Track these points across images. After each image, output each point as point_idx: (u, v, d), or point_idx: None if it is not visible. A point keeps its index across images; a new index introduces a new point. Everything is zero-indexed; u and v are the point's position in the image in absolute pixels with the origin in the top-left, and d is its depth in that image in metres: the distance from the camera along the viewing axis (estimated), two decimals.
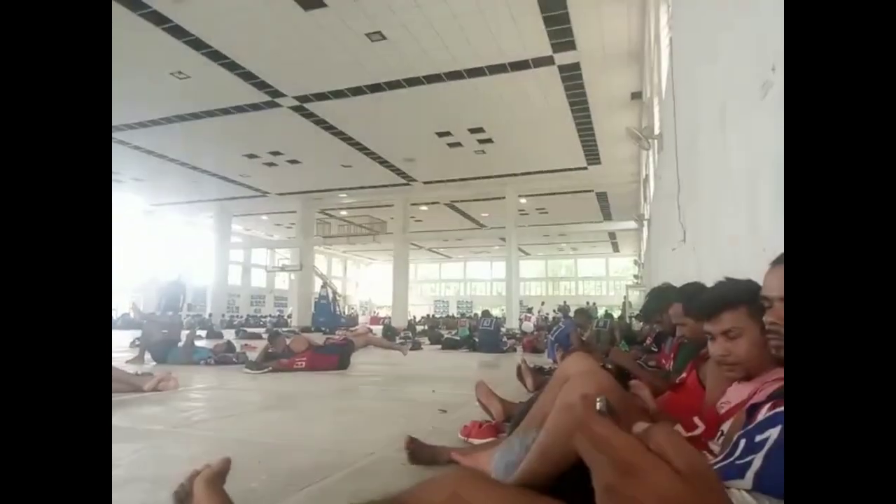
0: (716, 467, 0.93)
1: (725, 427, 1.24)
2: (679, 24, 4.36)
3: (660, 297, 2.71)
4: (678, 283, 3.03)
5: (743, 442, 0.93)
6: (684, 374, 2.12)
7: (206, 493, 1.40)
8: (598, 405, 0.85)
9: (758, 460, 0.85)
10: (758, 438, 0.89)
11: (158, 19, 8.39)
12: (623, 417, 1.19)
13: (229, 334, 13.04)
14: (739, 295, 1.26)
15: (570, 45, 9.14)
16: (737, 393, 1.31)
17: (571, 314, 9.47)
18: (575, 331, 7.02)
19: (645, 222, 13.33)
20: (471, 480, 1.14)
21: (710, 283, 1.94)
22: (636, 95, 10.97)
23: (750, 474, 0.85)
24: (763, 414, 0.96)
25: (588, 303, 25.26)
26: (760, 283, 1.25)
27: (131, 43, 9.04)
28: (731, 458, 0.92)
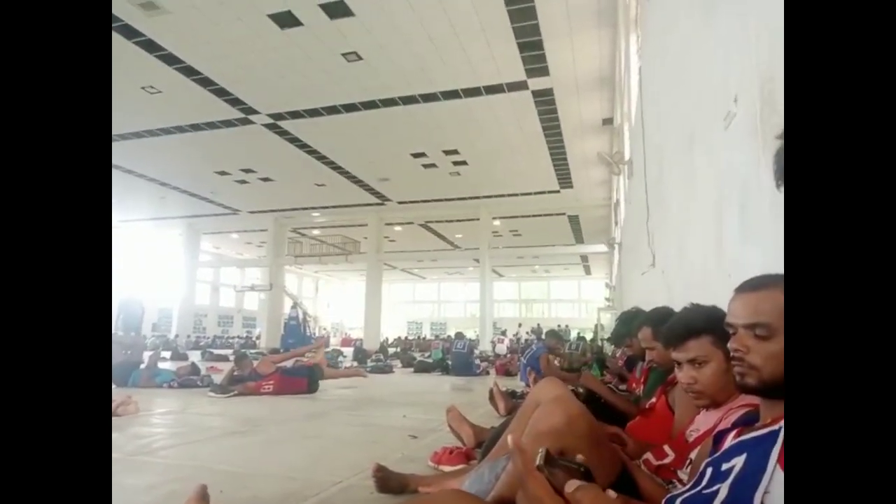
0: (683, 497, 0.92)
1: (694, 454, 1.24)
2: (647, 53, 4.49)
3: (629, 322, 2.73)
4: (648, 307, 3.07)
5: (709, 471, 0.92)
6: (654, 399, 2.12)
7: None
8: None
9: (724, 489, 0.84)
10: (724, 467, 0.89)
11: (130, 33, 8.28)
12: (592, 445, 1.17)
13: (195, 356, 12.69)
14: (704, 323, 1.27)
15: (544, 71, 9.34)
16: (705, 420, 1.31)
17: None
18: (544, 354, 7.02)
19: (616, 246, 13.54)
20: (456, 499, 1.12)
21: (679, 308, 1.97)
22: (608, 121, 11.23)
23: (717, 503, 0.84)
24: (729, 442, 0.96)
25: (560, 325, 25.41)
26: (726, 309, 1.28)
27: None
28: (699, 488, 0.91)
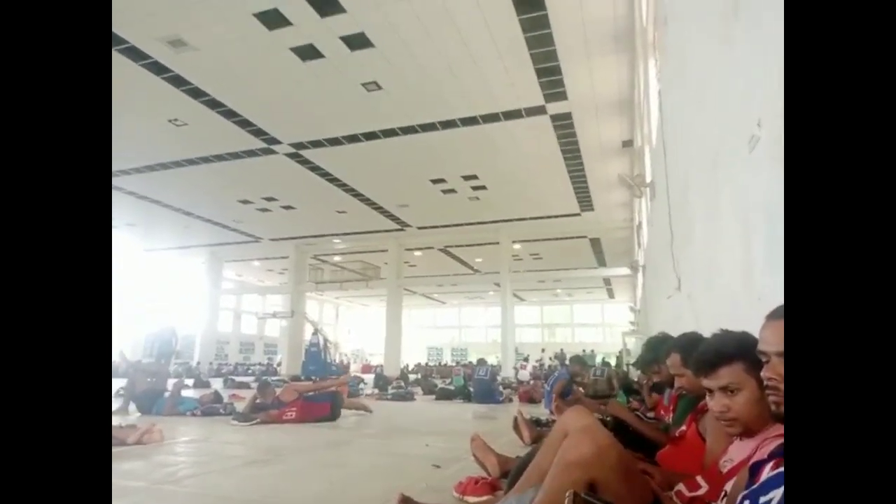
0: None
1: (729, 487, 1.19)
2: (666, 76, 4.49)
3: (657, 348, 2.68)
4: (675, 332, 3.01)
5: (747, 503, 0.89)
6: (684, 427, 2.06)
7: None
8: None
9: None
10: (762, 500, 0.85)
11: (158, 69, 8.58)
12: (622, 476, 1.14)
13: (217, 383, 12.76)
14: (736, 349, 1.23)
15: (562, 96, 9.39)
16: (739, 450, 1.27)
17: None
18: (559, 380, 6.88)
19: (640, 269, 13.37)
20: None
21: (707, 333, 1.92)
22: (627, 143, 11.21)
23: None
24: (766, 474, 0.92)
25: (585, 350, 25.03)
26: (756, 333, 1.24)
27: (131, 91, 9.21)
28: None
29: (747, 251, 1.89)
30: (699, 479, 1.29)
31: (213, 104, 9.79)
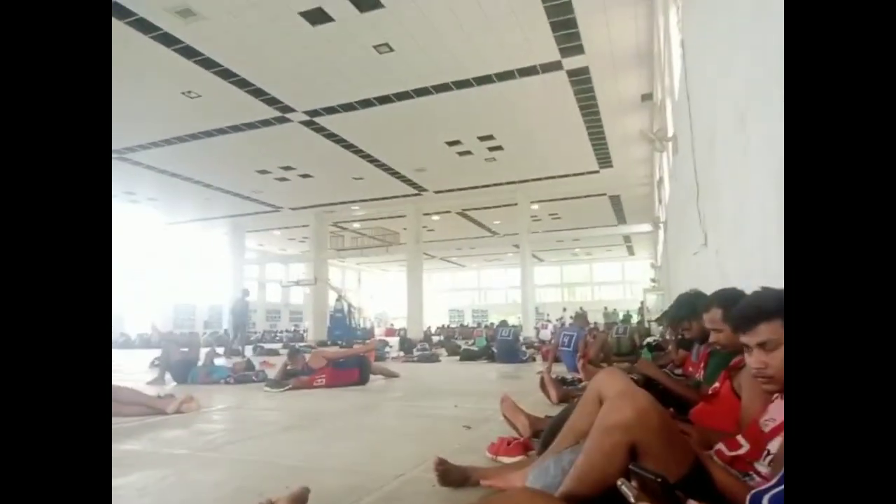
0: (771, 493, 0.88)
1: (772, 447, 1.19)
2: (691, 24, 4.31)
3: (690, 304, 2.65)
4: (701, 288, 2.98)
5: None
6: (717, 384, 2.06)
7: None
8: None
9: None
10: None
11: (168, 41, 8.51)
12: (664, 438, 1.13)
13: (247, 351, 13.08)
14: (776, 306, 1.21)
15: (579, 50, 9.12)
16: (779, 409, 1.26)
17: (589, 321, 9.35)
18: (580, 339, 6.93)
19: (661, 225, 13.20)
20: (532, 497, 1.12)
21: (743, 289, 1.89)
22: (647, 97, 10.91)
23: None
24: None
25: (606, 308, 25.04)
26: None
27: (143, 65, 9.19)
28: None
29: (780, 204, 1.84)
30: (740, 438, 1.29)
31: (226, 74, 9.72)
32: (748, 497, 0.92)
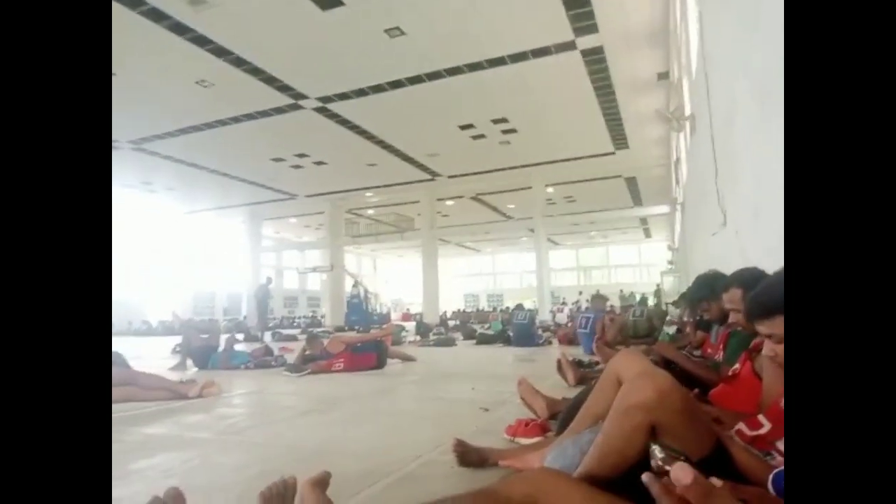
0: None
1: None
2: None
3: (710, 284, 2.62)
4: (720, 269, 2.94)
5: None
6: (738, 366, 2.04)
7: (314, 495, 1.43)
8: (654, 450, 0.82)
9: None
10: None
11: (181, 29, 8.52)
12: (686, 419, 1.12)
13: (266, 337, 13.27)
14: (780, 301, 1.20)
15: (592, 29, 8.95)
16: None
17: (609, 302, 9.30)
18: (597, 321, 6.91)
19: (678, 206, 13.03)
20: (551, 477, 1.12)
21: (764, 269, 1.86)
22: (663, 76, 10.70)
23: None
24: None
25: (622, 290, 24.90)
26: None
27: (157, 55, 9.23)
28: None
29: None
30: (761, 417, 1.28)
31: (238, 62, 9.73)
32: (771, 476, 0.91)
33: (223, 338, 7.14)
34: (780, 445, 1.19)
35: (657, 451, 0.79)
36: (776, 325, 1.17)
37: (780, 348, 1.18)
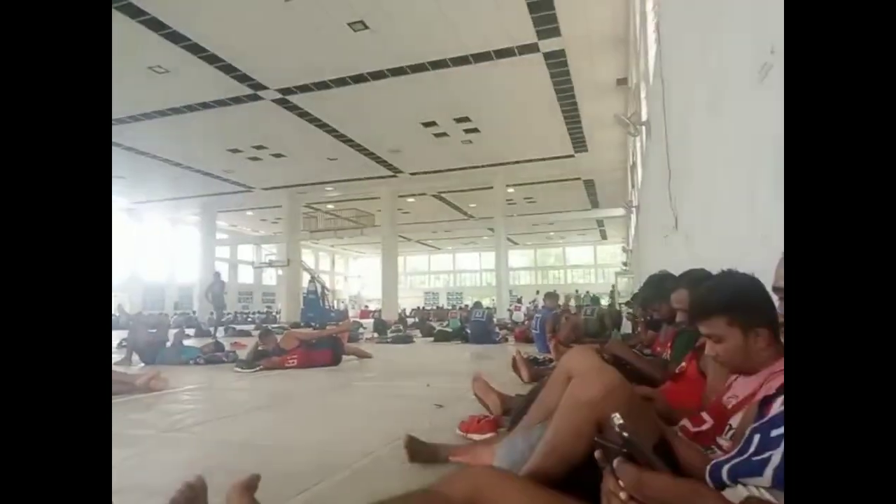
0: (731, 463, 0.90)
1: (734, 422, 1.21)
2: (667, 6, 4.32)
3: (659, 286, 2.69)
4: (672, 270, 3.02)
5: (757, 437, 0.90)
6: (684, 364, 2.10)
7: (242, 500, 1.37)
8: (615, 419, 0.84)
9: (776, 456, 0.82)
10: (773, 433, 0.86)
11: (134, 12, 8.18)
12: (631, 415, 1.14)
13: (218, 332, 12.91)
14: (719, 303, 1.25)
15: (555, 32, 9.08)
16: (743, 387, 1.28)
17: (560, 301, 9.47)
18: (553, 317, 7.03)
19: (633, 209, 13.37)
20: (491, 475, 1.12)
21: (710, 270, 1.92)
22: (622, 81, 10.95)
23: (769, 471, 0.82)
24: (777, 408, 0.93)
25: (578, 291, 25.37)
26: (762, 272, 1.24)
27: None
28: (747, 455, 0.89)
29: (752, 187, 1.86)
30: (704, 414, 1.31)
31: (195, 49, 9.41)
32: (708, 467, 0.93)
33: (172, 332, 6.91)
34: (721, 441, 1.23)
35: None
36: (715, 326, 1.21)
37: (720, 348, 1.22)
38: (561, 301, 8.82)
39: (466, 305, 17.71)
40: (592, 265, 38.31)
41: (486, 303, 14.11)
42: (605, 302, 18.49)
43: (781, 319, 0.95)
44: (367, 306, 35.29)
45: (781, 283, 0.94)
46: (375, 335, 11.27)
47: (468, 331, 9.62)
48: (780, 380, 1.11)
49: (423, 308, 29.43)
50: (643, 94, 7.41)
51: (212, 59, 9.84)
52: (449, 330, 10.93)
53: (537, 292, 28.86)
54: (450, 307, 27.65)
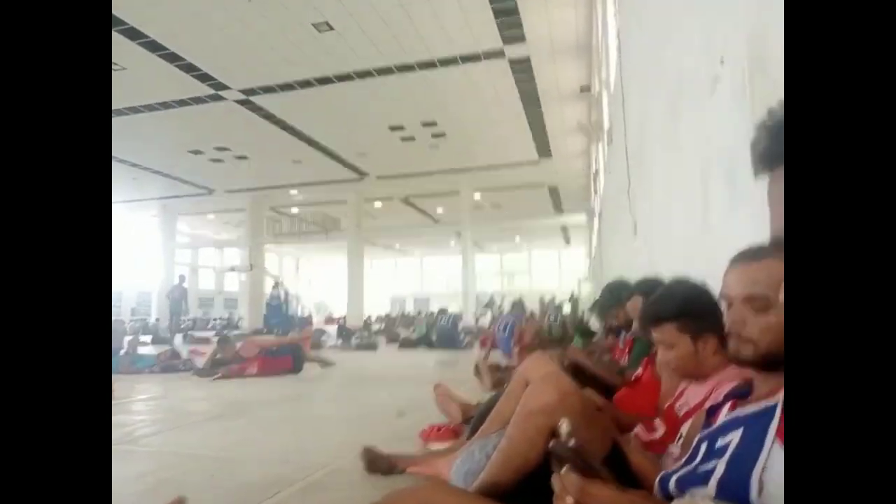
0: (678, 475, 0.90)
1: (684, 429, 1.22)
2: (626, 15, 4.41)
3: (615, 293, 2.73)
4: (631, 277, 3.07)
5: (704, 446, 0.90)
6: (640, 370, 2.12)
7: None
8: (563, 427, 0.83)
9: (721, 466, 0.82)
10: (719, 443, 0.86)
11: None
12: (584, 422, 1.14)
13: (176, 339, 12.55)
14: (670, 310, 1.28)
15: (520, 38, 9.17)
16: (694, 394, 1.30)
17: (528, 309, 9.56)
18: (515, 326, 7.06)
19: (596, 216, 13.60)
20: (438, 491, 1.10)
21: (664, 278, 1.95)
22: (585, 89, 11.13)
23: (713, 482, 0.82)
24: (723, 416, 0.94)
25: (543, 297, 25.60)
26: (714, 280, 1.26)
27: None
28: (693, 464, 0.89)
29: (705, 196, 1.90)
30: (656, 421, 1.33)
31: (153, 47, 9.14)
32: (658, 478, 0.93)
33: (126, 339, 6.67)
34: (673, 448, 1.24)
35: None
36: (666, 332, 1.22)
37: (671, 354, 1.24)
38: (546, 300, 8.89)
39: (432, 312, 17.65)
40: (557, 271, 38.78)
41: (452, 308, 14.10)
42: (566, 309, 18.71)
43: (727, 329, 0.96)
44: (331, 313, 34.83)
45: (728, 291, 0.95)
46: (339, 342, 11.14)
47: (434, 337, 9.60)
48: (727, 387, 1.13)
49: (389, 315, 29.23)
50: (605, 102, 7.55)
51: (171, 58, 9.58)
52: (414, 336, 10.88)
53: (503, 297, 29.07)
54: (416, 313, 27.56)
